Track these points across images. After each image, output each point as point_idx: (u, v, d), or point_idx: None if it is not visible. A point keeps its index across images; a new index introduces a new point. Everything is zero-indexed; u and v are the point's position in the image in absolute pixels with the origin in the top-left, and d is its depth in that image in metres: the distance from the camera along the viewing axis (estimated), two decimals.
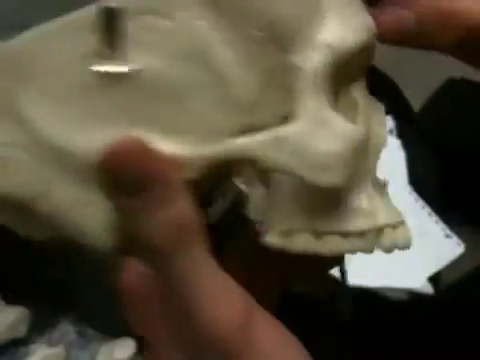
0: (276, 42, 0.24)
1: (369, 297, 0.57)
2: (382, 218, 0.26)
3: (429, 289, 0.62)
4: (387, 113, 0.83)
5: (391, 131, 0.82)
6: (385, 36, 0.28)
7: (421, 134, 0.80)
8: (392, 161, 0.78)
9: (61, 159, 0.23)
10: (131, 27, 0.22)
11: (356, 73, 0.27)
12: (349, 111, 0.27)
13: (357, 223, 0.26)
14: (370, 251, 0.26)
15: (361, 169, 0.26)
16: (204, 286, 0.23)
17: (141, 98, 0.23)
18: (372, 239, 0.26)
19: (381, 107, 0.29)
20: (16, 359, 0.62)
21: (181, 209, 0.23)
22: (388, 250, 0.27)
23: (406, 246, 0.27)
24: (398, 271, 0.63)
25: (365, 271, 0.62)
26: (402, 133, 0.81)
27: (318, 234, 0.26)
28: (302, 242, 0.26)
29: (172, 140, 0.24)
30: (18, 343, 0.64)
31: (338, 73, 0.26)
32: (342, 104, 0.27)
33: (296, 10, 0.25)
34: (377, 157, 0.27)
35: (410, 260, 0.65)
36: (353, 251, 0.26)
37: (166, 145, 0.24)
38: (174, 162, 0.23)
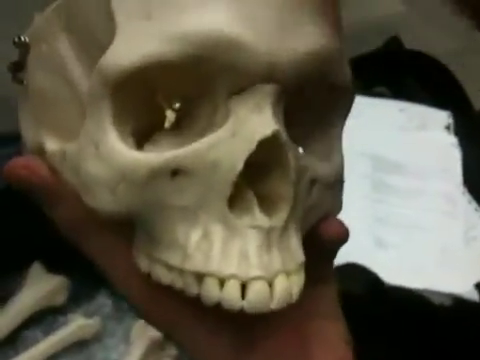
0: None
1: (409, 298, 0.56)
2: (206, 263, 0.23)
3: (475, 296, 0.60)
4: (445, 108, 0.81)
5: (448, 128, 0.79)
6: None
7: None
8: (447, 159, 0.75)
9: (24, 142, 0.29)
10: (32, 50, 0.27)
11: (231, 84, 0.23)
12: (209, 125, 0.24)
13: (175, 259, 0.23)
14: (193, 293, 0.23)
15: (185, 201, 0.23)
16: (109, 265, 0.27)
17: (38, 106, 0.28)
18: (190, 281, 0.23)
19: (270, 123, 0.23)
20: (53, 327, 0.64)
21: (66, 209, 0.26)
22: (208, 302, 0.23)
23: (240, 306, 0.23)
24: (443, 275, 0.61)
25: (408, 272, 0.60)
26: (459, 131, 0.78)
27: (150, 258, 0.25)
28: (142, 260, 0.25)
29: (55, 140, 0.27)
30: (56, 311, 0.65)
31: (138, 90, 0.24)
32: (199, 115, 0.24)
33: (108, 29, 0.23)
34: (226, 191, 0.23)
35: (457, 264, 0.62)
36: (175, 286, 0.24)
37: (51, 144, 0.27)
38: (54, 169, 0.26)
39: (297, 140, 0.25)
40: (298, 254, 0.25)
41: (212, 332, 0.26)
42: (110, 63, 0.23)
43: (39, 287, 0.64)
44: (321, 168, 0.26)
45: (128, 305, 0.66)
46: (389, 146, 0.76)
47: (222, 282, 0.23)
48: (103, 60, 0.23)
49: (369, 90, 0.82)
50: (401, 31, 0.90)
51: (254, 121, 0.23)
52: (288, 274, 0.24)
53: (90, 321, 0.63)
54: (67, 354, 0.62)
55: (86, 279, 0.66)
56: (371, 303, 0.54)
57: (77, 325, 0.63)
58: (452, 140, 0.77)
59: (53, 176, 0.26)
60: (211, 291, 0.23)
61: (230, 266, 0.23)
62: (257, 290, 0.23)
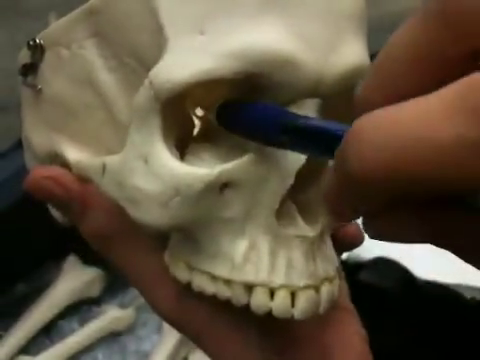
0: (147, 71, 0.23)
1: (441, 293, 0.55)
2: (255, 274, 0.23)
3: None
4: None
5: None
6: None
7: None
8: None
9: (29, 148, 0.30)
10: (48, 55, 0.27)
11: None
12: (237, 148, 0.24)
13: (222, 269, 0.24)
14: (241, 303, 0.24)
15: (232, 213, 0.23)
16: (136, 275, 0.27)
17: (53, 112, 0.27)
18: (239, 291, 0.23)
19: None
20: (88, 317, 0.65)
21: (94, 219, 0.26)
22: (259, 312, 0.23)
23: (289, 315, 0.23)
24: (475, 269, 0.60)
25: (440, 266, 0.60)
26: None
27: (190, 267, 0.25)
28: (180, 270, 0.25)
29: (78, 149, 0.27)
30: (91, 302, 0.67)
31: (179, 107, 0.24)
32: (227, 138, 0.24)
33: (151, 40, 0.23)
34: (275, 204, 0.23)
35: None
36: (221, 296, 0.24)
37: (73, 153, 0.27)
38: (84, 178, 0.26)
39: None
40: (334, 259, 0.26)
41: (240, 341, 0.27)
42: (163, 78, 0.22)
43: (75, 279, 0.65)
44: None
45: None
46: None
47: (272, 291, 0.23)
48: (154, 75, 0.22)
49: None
50: None
51: None
52: (330, 280, 0.25)
53: (124, 312, 0.64)
54: (101, 344, 0.63)
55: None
56: (403, 297, 0.53)
57: (111, 316, 0.64)
58: None
59: (81, 187, 0.26)
60: (262, 301, 0.23)
61: (280, 276, 0.23)
62: (307, 298, 0.23)
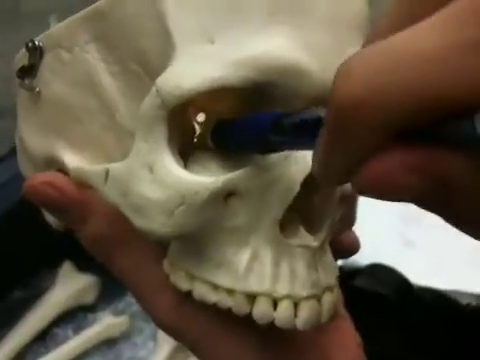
0: (151, 77, 0.23)
1: (436, 299, 0.55)
2: (259, 284, 0.23)
3: None
4: None
5: None
6: None
7: None
8: None
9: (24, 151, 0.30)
10: (48, 57, 0.27)
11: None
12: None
13: (224, 279, 0.23)
14: (243, 313, 0.23)
15: (236, 223, 0.23)
16: (134, 282, 0.27)
17: (52, 115, 0.27)
18: (242, 301, 0.23)
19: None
20: (83, 325, 0.65)
21: (94, 226, 0.26)
22: (261, 322, 0.23)
23: (292, 326, 0.23)
24: (472, 275, 0.60)
25: (436, 272, 0.60)
26: None
27: (191, 276, 0.24)
28: (181, 279, 0.25)
29: (77, 154, 0.27)
30: (86, 310, 0.66)
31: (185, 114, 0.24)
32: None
33: (157, 46, 0.23)
34: (279, 214, 0.23)
35: None
36: (223, 306, 0.24)
37: (72, 158, 0.27)
38: (84, 184, 0.26)
39: None
40: (335, 268, 0.26)
41: (238, 350, 0.26)
42: (171, 86, 0.22)
43: (70, 286, 0.65)
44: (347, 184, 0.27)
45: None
46: None
47: (275, 301, 0.23)
48: (162, 82, 0.22)
49: None
50: None
51: None
52: (331, 289, 0.25)
53: (119, 319, 0.64)
54: (96, 352, 0.63)
55: (115, 278, 0.67)
56: (398, 303, 0.53)
57: (106, 323, 0.64)
58: None
59: (81, 193, 0.26)
60: (265, 311, 0.23)
61: (283, 286, 0.23)
62: (310, 308, 0.23)
